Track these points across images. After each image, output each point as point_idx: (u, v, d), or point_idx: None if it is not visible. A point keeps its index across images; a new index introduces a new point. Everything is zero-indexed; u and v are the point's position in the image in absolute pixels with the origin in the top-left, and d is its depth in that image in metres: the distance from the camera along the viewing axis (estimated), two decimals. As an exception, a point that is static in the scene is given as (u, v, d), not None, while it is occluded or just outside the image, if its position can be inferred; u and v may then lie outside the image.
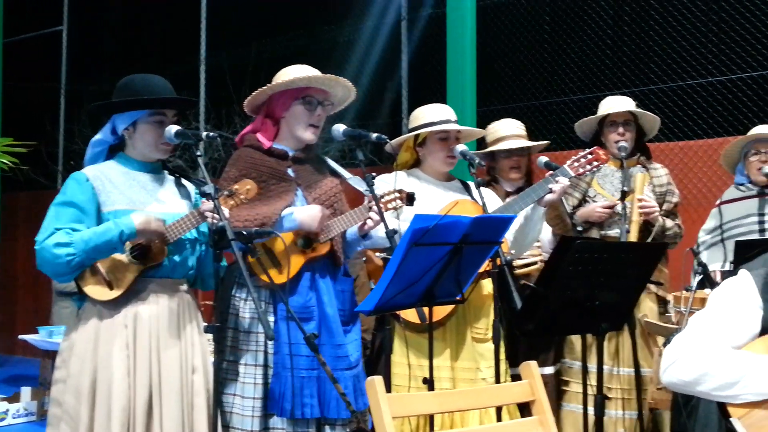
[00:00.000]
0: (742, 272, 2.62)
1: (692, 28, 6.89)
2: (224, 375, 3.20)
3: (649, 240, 4.18)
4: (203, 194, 2.94)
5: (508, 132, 4.42)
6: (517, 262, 4.17)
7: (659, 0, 7.14)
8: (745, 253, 3.29)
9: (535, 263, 4.17)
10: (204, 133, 3.15)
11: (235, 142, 3.51)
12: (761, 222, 4.20)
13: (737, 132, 4.56)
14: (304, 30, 8.74)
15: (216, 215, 2.92)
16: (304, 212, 3.27)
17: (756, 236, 4.14)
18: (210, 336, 3.16)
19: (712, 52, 6.79)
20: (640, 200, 4.18)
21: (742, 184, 4.37)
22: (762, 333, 2.52)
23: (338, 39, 8.62)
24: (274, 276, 3.20)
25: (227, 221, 2.88)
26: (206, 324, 3.05)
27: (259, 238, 3.10)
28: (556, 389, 4.23)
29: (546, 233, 4.40)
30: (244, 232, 2.95)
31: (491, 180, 4.41)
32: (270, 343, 3.19)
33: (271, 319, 3.23)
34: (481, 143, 4.68)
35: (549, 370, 4.19)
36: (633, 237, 4.14)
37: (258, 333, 3.22)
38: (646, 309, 4.24)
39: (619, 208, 4.18)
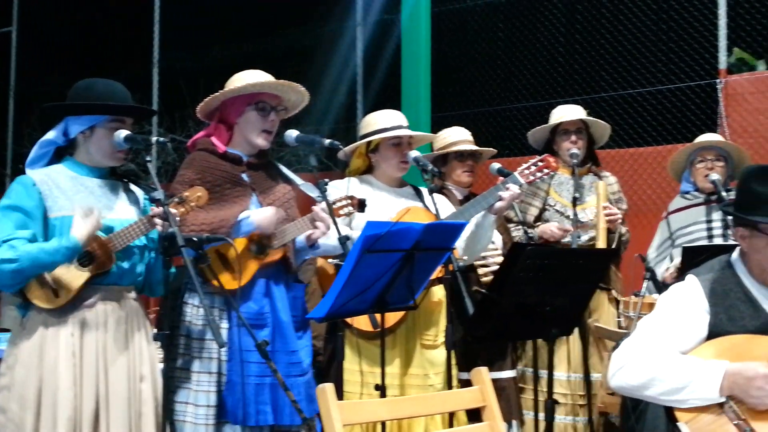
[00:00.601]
0: (690, 278, 2.67)
1: (642, 37, 7.00)
2: (177, 383, 3.15)
3: (613, 246, 4.24)
4: (152, 200, 2.89)
5: (460, 137, 4.45)
6: (482, 269, 4.19)
7: (611, 10, 7.24)
8: (693, 259, 3.35)
9: None
10: (154, 138, 3.10)
11: (187, 146, 3.47)
12: (709, 228, 4.27)
13: (686, 139, 4.65)
14: (260, 34, 8.68)
15: (166, 222, 2.88)
16: (259, 214, 3.24)
17: (704, 242, 4.20)
18: (159, 344, 3.11)
19: (662, 60, 6.91)
20: (605, 207, 4.24)
21: (688, 192, 4.44)
22: (709, 338, 2.56)
23: (294, 44, 8.58)
24: (228, 282, 3.16)
25: (177, 227, 2.84)
26: (156, 332, 3.01)
27: (210, 244, 3.06)
28: (517, 395, 4.25)
29: (498, 237, 4.42)
30: (195, 238, 2.91)
31: (441, 187, 4.42)
32: (223, 351, 3.15)
33: (226, 325, 3.19)
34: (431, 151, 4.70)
35: (508, 374, 4.19)
36: (601, 245, 4.19)
37: (211, 340, 3.18)
38: (608, 313, 4.29)
39: (570, 214, 4.24)
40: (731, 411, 2.41)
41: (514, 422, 4.15)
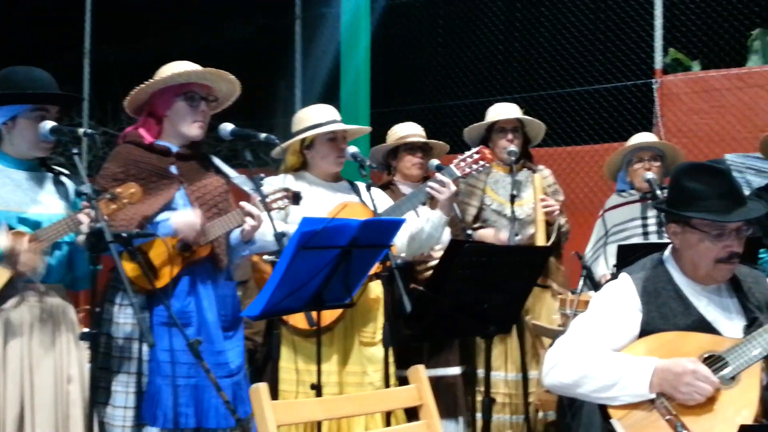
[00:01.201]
0: (623, 276, 2.69)
1: (580, 37, 7.08)
2: (98, 384, 3.05)
3: (552, 239, 4.27)
4: (80, 194, 2.80)
5: (411, 131, 4.44)
6: (422, 266, 4.18)
7: (549, 9, 7.31)
8: (628, 257, 3.38)
9: None
10: (82, 130, 3.00)
11: (118, 139, 3.37)
12: (644, 225, 4.33)
13: (622, 138, 4.71)
14: (197, 26, 8.54)
15: (93, 217, 2.79)
16: (180, 218, 3.15)
17: (639, 240, 4.26)
18: (87, 344, 3.01)
19: (599, 60, 6.99)
20: (542, 200, 4.27)
21: (623, 190, 4.50)
22: (641, 335, 2.58)
23: (232, 36, 8.47)
24: (153, 280, 3.07)
25: (105, 223, 2.75)
26: (83, 331, 2.91)
27: (140, 239, 2.97)
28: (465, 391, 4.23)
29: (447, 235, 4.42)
30: (124, 234, 2.82)
31: (389, 183, 4.40)
32: (145, 350, 3.06)
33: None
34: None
35: (455, 370, 4.17)
36: (540, 237, 4.22)
37: (132, 339, 3.09)
38: (552, 308, 4.31)
39: (507, 212, 4.26)
40: (662, 407, 2.43)
41: (461, 418, 4.13)
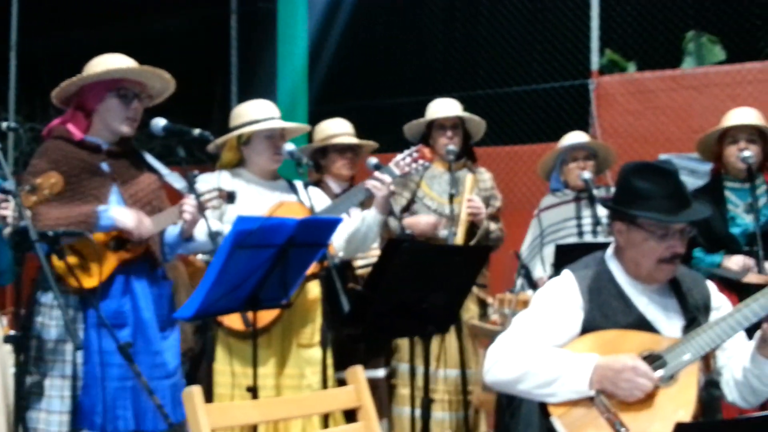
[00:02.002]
0: (566, 273, 2.69)
1: (519, 36, 7.14)
2: (28, 389, 2.93)
3: (473, 242, 4.25)
4: (2, 191, 2.67)
5: (340, 130, 4.38)
6: (359, 263, 4.13)
7: (488, 8, 7.35)
8: (566, 256, 3.39)
9: None
10: (5, 124, 2.89)
11: (42, 134, 3.24)
12: (579, 225, 4.36)
13: (558, 138, 4.74)
14: (130, 19, 8.35)
15: (14, 214, 2.67)
16: (121, 214, 3.06)
17: (574, 239, 4.29)
18: (11, 347, 2.88)
19: (537, 60, 7.06)
20: (469, 200, 4.26)
21: (558, 190, 4.53)
22: (582, 333, 2.58)
23: (167, 30, 8.32)
24: (84, 280, 2.97)
25: (29, 221, 2.64)
26: (7, 334, 2.79)
27: (67, 239, 2.86)
28: (388, 393, 4.21)
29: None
30: (50, 233, 2.71)
31: (319, 180, 4.34)
32: (79, 353, 2.96)
33: (82, 326, 3.01)
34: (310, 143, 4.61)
35: (381, 372, 4.16)
36: (460, 238, 4.21)
37: (65, 342, 2.99)
38: (469, 311, 4.31)
39: (446, 210, 4.24)
40: (601, 404, 2.43)
41: (385, 420, 4.12)
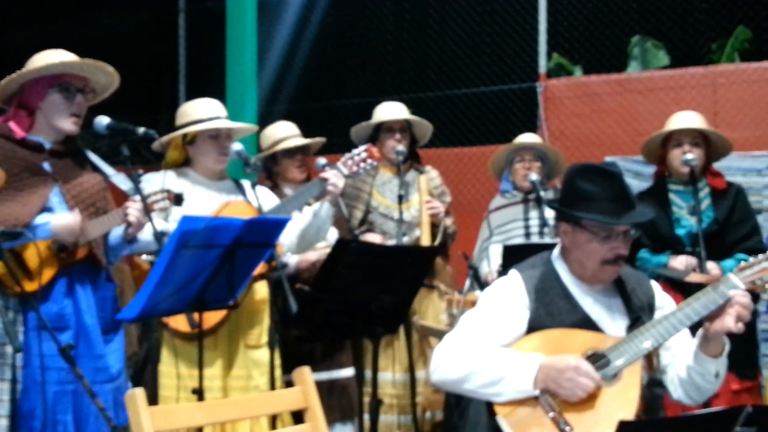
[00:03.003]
0: (513, 273, 2.70)
1: (467, 39, 7.19)
2: None
3: (438, 241, 4.27)
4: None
5: (287, 133, 4.36)
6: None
7: (437, 10, 7.38)
8: (513, 256, 3.42)
9: None
10: None
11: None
12: (527, 227, 4.40)
13: (508, 140, 4.78)
14: (75, 17, 8.20)
15: None
16: (59, 221, 2.99)
17: (522, 240, 4.33)
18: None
19: (485, 62, 7.12)
20: (427, 201, 4.27)
21: (507, 191, 4.57)
22: (529, 332, 2.60)
23: (113, 28, 8.19)
24: (25, 282, 2.90)
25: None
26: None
27: (8, 240, 2.79)
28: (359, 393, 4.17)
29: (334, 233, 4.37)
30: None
31: (273, 185, 4.31)
32: (19, 356, 2.89)
33: (22, 329, 2.94)
34: (259, 150, 4.58)
35: (349, 371, 4.10)
36: (425, 238, 4.22)
37: (5, 345, 2.91)
38: (439, 308, 4.33)
39: (393, 215, 4.25)
40: (546, 404, 2.45)
41: (357, 420, 4.08)
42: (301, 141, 4.34)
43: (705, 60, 6.87)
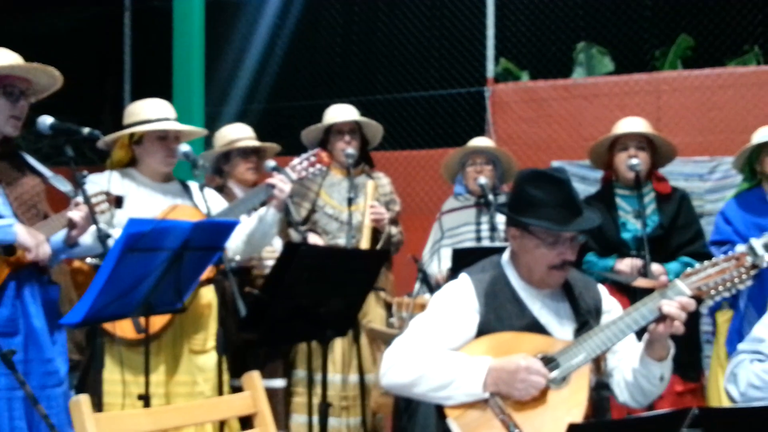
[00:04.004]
0: (463, 276, 2.71)
1: (417, 43, 7.22)
2: None
3: (378, 246, 4.27)
4: None
5: (241, 135, 4.33)
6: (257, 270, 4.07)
7: (386, 14, 7.40)
8: (463, 260, 3.43)
9: None
10: None
11: None
12: (478, 231, 4.43)
13: (456, 144, 4.81)
14: (17, 14, 8.02)
15: None
16: (23, 233, 2.92)
17: (472, 243, 4.35)
18: None
19: (434, 66, 7.15)
20: (372, 207, 4.27)
21: (460, 194, 4.59)
22: (478, 336, 2.61)
23: (57, 26, 8.03)
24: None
25: None
26: None
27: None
28: (286, 400, 4.16)
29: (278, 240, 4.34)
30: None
31: (223, 186, 4.27)
32: None
33: None
34: (210, 148, 4.53)
35: (279, 382, 4.10)
36: (365, 243, 4.21)
37: None
38: (377, 314, 4.32)
39: (344, 217, 4.25)
40: (496, 406, 2.47)
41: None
42: (257, 143, 4.32)
43: (649, 67, 7.02)
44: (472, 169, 4.47)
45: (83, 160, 4.89)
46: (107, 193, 3.08)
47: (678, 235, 4.08)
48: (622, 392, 2.64)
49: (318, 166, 3.71)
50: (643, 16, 7.00)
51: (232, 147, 4.27)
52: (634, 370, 2.58)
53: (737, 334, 4.04)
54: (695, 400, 3.97)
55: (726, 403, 3.64)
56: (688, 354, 3.80)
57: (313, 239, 4.29)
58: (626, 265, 3.97)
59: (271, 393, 3.88)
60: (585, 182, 5.77)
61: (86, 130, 3.06)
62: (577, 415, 2.43)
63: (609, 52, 7.22)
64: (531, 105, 6.44)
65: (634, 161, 4.05)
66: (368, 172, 4.54)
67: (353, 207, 4.26)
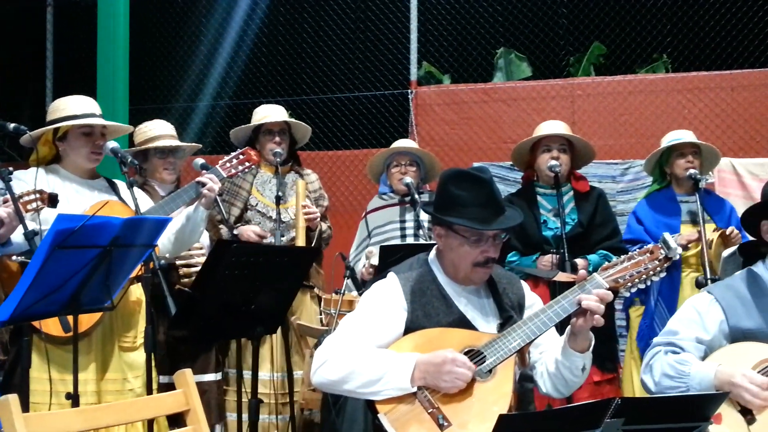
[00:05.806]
0: (390, 275, 2.76)
1: (342, 45, 7.26)
2: None
3: (313, 244, 4.30)
4: None
5: (161, 132, 4.27)
6: (184, 268, 4.05)
7: (312, 16, 7.42)
8: (389, 257, 3.49)
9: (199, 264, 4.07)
10: None
11: None
12: (402, 228, 4.50)
13: (381, 145, 4.88)
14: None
15: None
16: None
17: (398, 241, 4.42)
18: None
19: (359, 68, 7.21)
20: (304, 206, 4.30)
21: (385, 193, 4.66)
22: (407, 332, 2.66)
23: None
24: None
25: None
26: None
27: None
28: (220, 397, 4.15)
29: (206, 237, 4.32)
30: None
31: (144, 183, 4.21)
32: None
33: None
34: (131, 144, 4.47)
35: (211, 377, 4.08)
36: (300, 242, 4.23)
37: None
38: (311, 311, 4.35)
39: (272, 215, 4.27)
40: (425, 400, 2.52)
41: (218, 426, 4.06)
42: (175, 142, 4.27)
43: (564, 73, 7.23)
44: (397, 170, 4.54)
45: (2, 156, 4.75)
46: (41, 191, 3.03)
47: (596, 233, 4.24)
48: (545, 383, 2.72)
49: (247, 164, 3.73)
50: (559, 24, 7.20)
51: (149, 146, 4.22)
52: (557, 362, 2.66)
53: (648, 329, 4.23)
54: (612, 390, 4.13)
55: (640, 393, 3.80)
56: (605, 346, 3.93)
57: (252, 229, 4.30)
58: (547, 260, 4.11)
59: (204, 387, 3.89)
60: (504, 183, 5.92)
61: (12, 125, 3.01)
62: (503, 407, 2.50)
63: (527, 58, 7.41)
64: (453, 107, 6.56)
65: (553, 162, 4.19)
66: (297, 170, 4.57)
67: (283, 205, 4.29)
